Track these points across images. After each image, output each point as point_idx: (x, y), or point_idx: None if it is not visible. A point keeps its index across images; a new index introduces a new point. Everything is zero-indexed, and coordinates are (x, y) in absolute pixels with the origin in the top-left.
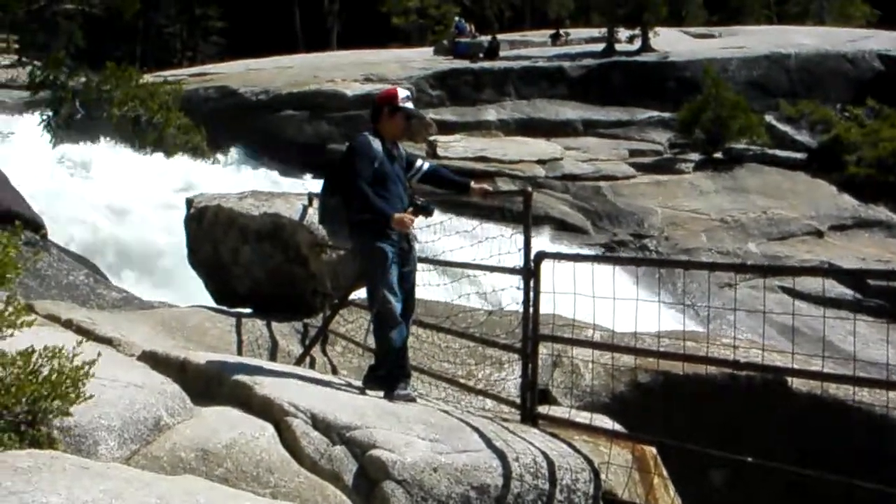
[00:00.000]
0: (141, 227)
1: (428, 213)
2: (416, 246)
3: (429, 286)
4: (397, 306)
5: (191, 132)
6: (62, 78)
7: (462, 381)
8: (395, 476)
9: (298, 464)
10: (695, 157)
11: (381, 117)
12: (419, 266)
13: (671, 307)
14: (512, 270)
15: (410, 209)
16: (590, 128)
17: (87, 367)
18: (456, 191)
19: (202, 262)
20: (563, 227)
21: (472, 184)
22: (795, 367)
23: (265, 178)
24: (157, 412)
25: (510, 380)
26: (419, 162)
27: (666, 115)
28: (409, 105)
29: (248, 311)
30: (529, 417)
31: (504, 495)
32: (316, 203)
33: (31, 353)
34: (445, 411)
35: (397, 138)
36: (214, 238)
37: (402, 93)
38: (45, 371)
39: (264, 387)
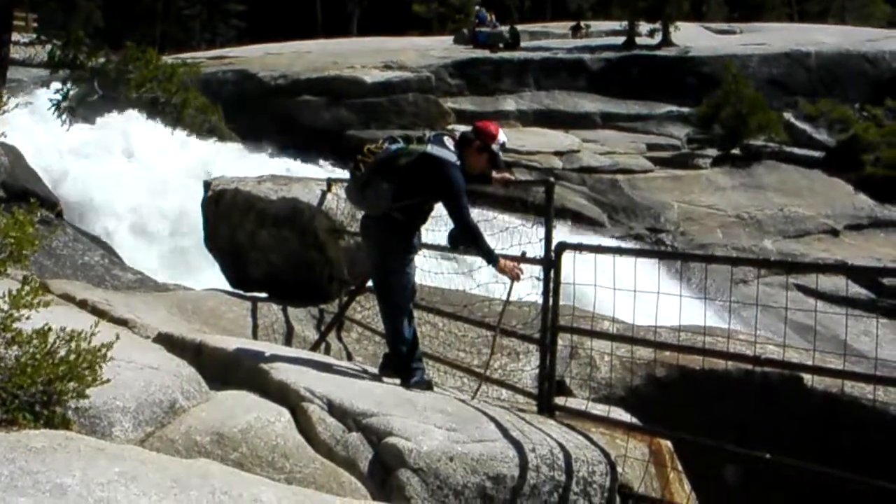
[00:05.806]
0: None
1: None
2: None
3: (446, 274)
4: (412, 298)
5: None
6: (81, 57)
7: (478, 370)
8: (411, 464)
9: (314, 450)
10: (712, 152)
11: (469, 147)
12: (436, 255)
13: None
14: (532, 261)
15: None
16: (608, 121)
17: (104, 349)
18: (477, 181)
19: (219, 246)
20: (579, 219)
21: (494, 173)
22: (816, 364)
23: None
24: (173, 395)
25: (526, 370)
26: None
27: (685, 110)
28: (500, 154)
29: (263, 295)
30: (546, 408)
31: (520, 486)
32: (336, 189)
33: (48, 333)
34: (462, 400)
35: (474, 173)
36: (231, 222)
37: (501, 137)
38: (62, 352)
39: (281, 372)
